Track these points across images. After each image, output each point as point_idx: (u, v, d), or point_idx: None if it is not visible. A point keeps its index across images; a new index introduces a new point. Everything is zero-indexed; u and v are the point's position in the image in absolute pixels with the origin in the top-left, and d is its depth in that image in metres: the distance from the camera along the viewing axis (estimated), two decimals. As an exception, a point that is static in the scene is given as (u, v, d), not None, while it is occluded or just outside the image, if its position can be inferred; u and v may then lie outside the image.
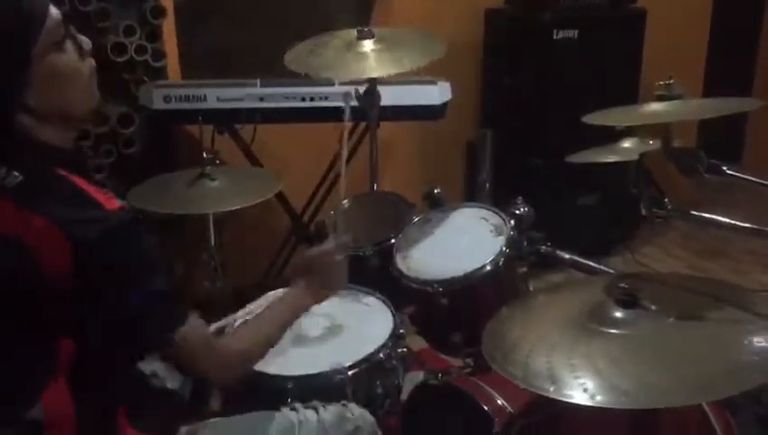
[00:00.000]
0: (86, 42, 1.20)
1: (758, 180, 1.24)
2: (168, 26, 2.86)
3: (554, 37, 3.28)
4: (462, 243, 1.89)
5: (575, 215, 3.40)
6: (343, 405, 1.50)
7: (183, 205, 2.18)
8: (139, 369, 1.51)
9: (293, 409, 1.47)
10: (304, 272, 1.52)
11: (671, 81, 1.41)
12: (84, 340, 1.15)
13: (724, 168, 1.23)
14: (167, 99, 2.67)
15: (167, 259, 1.26)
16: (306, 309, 1.50)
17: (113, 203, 1.13)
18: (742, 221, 1.27)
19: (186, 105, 2.68)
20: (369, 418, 1.50)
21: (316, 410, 1.47)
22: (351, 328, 1.76)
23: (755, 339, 1.13)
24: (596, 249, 2.84)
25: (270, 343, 1.39)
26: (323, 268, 1.52)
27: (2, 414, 1.14)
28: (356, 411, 1.49)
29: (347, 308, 1.83)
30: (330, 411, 1.47)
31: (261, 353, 1.38)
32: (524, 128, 3.41)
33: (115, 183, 2.65)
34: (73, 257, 1.07)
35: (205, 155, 2.25)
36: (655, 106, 1.46)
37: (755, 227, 1.20)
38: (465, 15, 3.54)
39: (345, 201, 2.16)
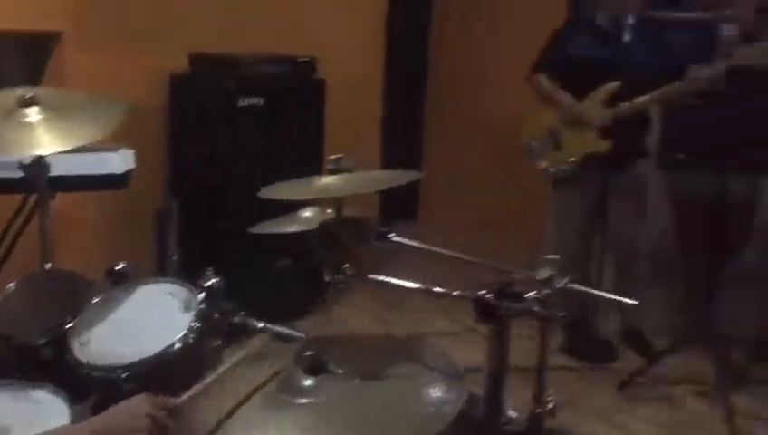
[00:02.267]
0: None
1: (418, 245, 1.37)
2: None
3: (240, 104, 3.30)
4: (149, 322, 1.77)
5: (268, 280, 3.41)
6: None
7: None
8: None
9: None
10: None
11: (341, 155, 1.50)
12: None
13: (390, 235, 1.34)
14: None
15: None
16: None
17: None
18: (414, 279, 1.37)
19: None
20: None
21: None
22: (19, 431, 1.53)
23: (431, 390, 1.21)
24: (290, 313, 2.89)
25: None
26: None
27: None
28: None
29: (13, 407, 1.59)
30: None
31: None
32: (213, 195, 3.37)
33: None
34: None
35: None
36: (326, 179, 1.55)
37: (423, 287, 1.30)
38: (150, 80, 3.44)
39: (11, 284, 1.92)
